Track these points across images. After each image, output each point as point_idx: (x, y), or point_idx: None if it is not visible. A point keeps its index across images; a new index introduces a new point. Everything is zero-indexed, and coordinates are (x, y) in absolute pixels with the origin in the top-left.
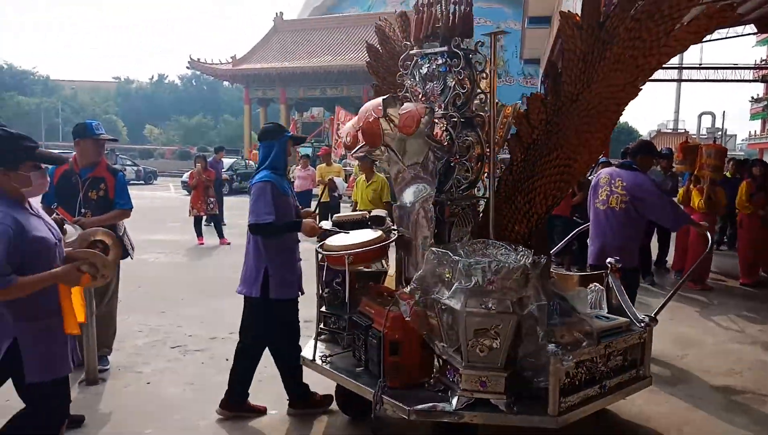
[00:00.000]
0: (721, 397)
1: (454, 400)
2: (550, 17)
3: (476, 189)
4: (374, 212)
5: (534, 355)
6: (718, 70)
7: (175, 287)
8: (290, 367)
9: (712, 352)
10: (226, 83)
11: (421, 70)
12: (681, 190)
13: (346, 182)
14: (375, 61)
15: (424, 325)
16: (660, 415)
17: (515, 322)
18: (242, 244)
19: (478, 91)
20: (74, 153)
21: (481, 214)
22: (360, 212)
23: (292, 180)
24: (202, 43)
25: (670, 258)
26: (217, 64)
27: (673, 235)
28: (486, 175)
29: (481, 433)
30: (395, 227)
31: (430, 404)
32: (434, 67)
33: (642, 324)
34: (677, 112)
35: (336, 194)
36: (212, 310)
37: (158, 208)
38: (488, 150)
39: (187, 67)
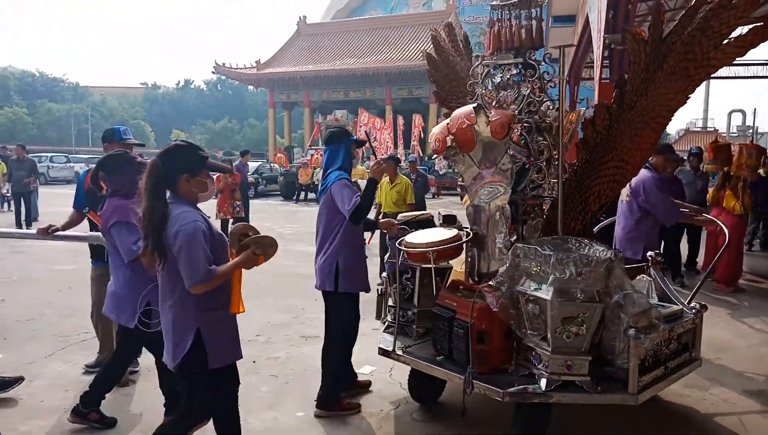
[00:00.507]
0: (756, 402)
1: (543, 382)
2: (574, 16)
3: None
4: (443, 212)
5: (612, 338)
6: (749, 67)
7: None
8: (341, 363)
9: (744, 356)
10: (250, 87)
11: (494, 79)
12: (711, 191)
13: None
14: (434, 70)
15: (510, 315)
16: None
17: (600, 310)
18: None
19: (546, 98)
20: None
21: (546, 213)
22: (424, 212)
23: (316, 182)
24: (227, 47)
25: (701, 259)
26: (241, 68)
27: (704, 236)
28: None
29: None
30: (466, 226)
31: (521, 386)
32: (508, 76)
33: (694, 311)
34: (706, 110)
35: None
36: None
37: None
38: (556, 153)
39: (213, 72)
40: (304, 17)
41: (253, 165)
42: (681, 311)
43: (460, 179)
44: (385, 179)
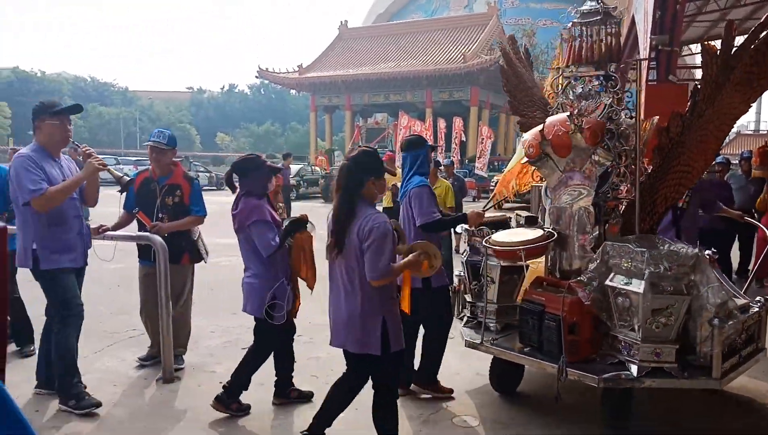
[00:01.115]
0: None
1: (634, 369)
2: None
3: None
4: (524, 214)
5: (695, 328)
6: None
7: None
8: (442, 347)
9: None
10: (293, 91)
11: (575, 90)
12: (762, 195)
13: None
14: (506, 81)
15: (601, 308)
16: None
17: (688, 301)
18: None
19: (624, 107)
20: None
21: (621, 213)
22: (500, 214)
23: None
24: (271, 52)
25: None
26: (284, 73)
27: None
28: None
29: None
30: (546, 226)
31: (614, 373)
32: (590, 87)
33: (759, 304)
34: (759, 112)
35: (399, 200)
36: None
37: (230, 213)
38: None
39: (256, 77)
40: (346, 22)
41: (294, 168)
42: (747, 304)
43: (492, 182)
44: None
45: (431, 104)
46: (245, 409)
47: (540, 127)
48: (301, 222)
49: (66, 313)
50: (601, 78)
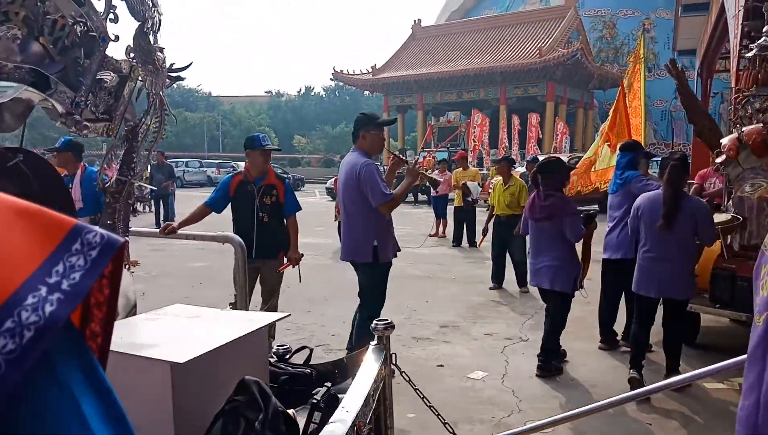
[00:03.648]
0: None
1: None
2: (707, 3)
3: None
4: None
5: None
6: None
7: (320, 288)
8: None
9: None
10: (366, 92)
11: (753, 105)
12: None
13: (481, 186)
14: (683, 98)
15: None
16: None
17: None
18: None
19: None
20: (245, 163)
21: None
22: None
23: (428, 184)
24: (346, 54)
25: None
26: (358, 74)
27: None
28: None
29: None
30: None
31: None
32: (766, 103)
33: None
34: None
35: (469, 199)
36: (353, 310)
37: (306, 214)
38: None
39: (331, 79)
40: (419, 20)
41: None
42: None
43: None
44: (498, 180)
45: (505, 101)
46: (560, 368)
47: (735, 134)
48: (593, 216)
49: (382, 301)
50: None
